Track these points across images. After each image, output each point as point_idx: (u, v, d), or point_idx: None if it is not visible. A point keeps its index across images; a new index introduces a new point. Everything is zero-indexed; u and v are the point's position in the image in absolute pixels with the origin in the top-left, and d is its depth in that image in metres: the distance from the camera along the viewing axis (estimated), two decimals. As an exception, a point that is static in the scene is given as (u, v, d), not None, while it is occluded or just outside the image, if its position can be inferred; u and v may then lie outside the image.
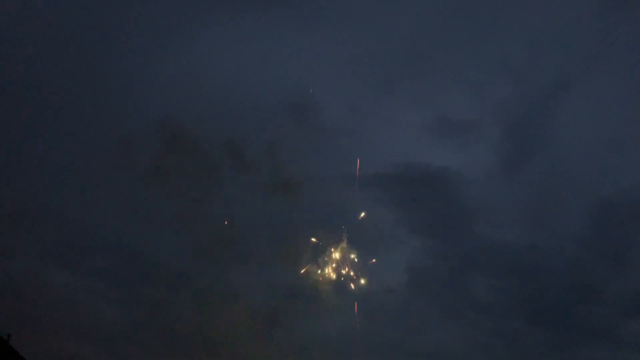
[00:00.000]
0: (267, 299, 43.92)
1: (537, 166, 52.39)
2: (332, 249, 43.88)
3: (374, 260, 43.90)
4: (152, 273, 42.55)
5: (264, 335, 43.16)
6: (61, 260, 44.57)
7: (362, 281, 43.49)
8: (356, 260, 44.18)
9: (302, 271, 43.31)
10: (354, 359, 45.00)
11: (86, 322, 43.20)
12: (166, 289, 42.41)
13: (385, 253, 49.51)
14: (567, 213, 51.82)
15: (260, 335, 43.10)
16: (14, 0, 45.08)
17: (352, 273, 43.79)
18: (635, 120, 52.13)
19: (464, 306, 51.68)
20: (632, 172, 50.94)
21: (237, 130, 42.07)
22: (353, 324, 44.94)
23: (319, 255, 44.13)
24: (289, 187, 42.59)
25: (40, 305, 42.51)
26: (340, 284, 44.69)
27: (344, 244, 43.97)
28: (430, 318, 50.16)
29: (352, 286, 43.29)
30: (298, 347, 43.87)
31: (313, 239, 43.78)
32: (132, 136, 40.78)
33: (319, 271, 43.83)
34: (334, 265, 44.01)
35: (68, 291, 43.73)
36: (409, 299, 49.76)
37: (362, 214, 43.14)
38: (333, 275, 43.79)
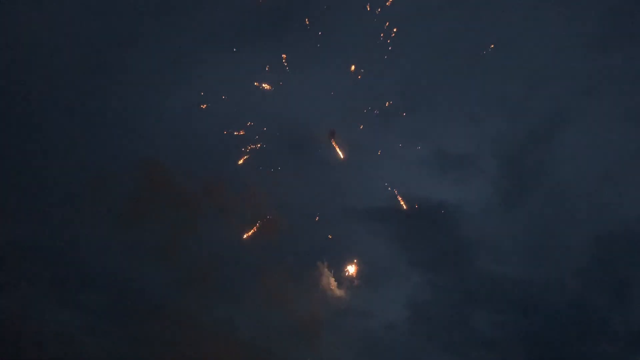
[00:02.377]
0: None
1: (535, 200, 52.24)
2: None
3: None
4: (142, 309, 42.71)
5: None
6: (55, 297, 44.47)
7: None
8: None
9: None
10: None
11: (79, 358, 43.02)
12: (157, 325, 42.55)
13: (385, 288, 49.52)
14: (567, 246, 51.47)
15: None
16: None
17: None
18: (633, 153, 52.13)
19: (465, 341, 51.11)
20: (632, 205, 50.81)
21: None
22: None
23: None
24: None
25: (34, 342, 42.45)
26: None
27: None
28: (431, 354, 49.62)
29: None
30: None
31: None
32: (117, 173, 41.76)
33: None
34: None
35: (61, 328, 43.61)
36: (410, 334, 49.42)
37: None
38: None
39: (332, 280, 45.67)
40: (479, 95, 51.99)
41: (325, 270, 46.00)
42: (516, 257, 52.15)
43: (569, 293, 51.13)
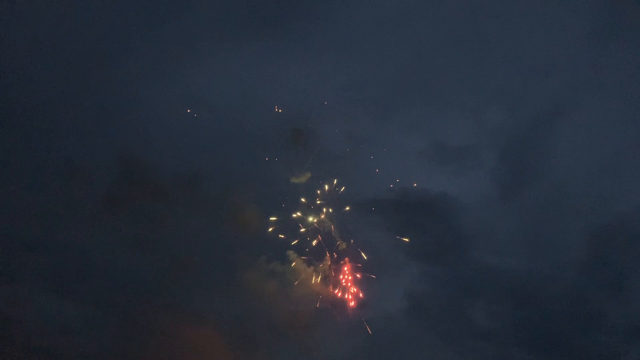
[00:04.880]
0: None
1: (534, 192, 52.46)
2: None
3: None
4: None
5: None
6: (57, 288, 44.34)
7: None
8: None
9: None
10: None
11: (81, 350, 42.97)
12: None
13: (384, 279, 49.52)
14: (565, 239, 51.73)
15: None
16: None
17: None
18: (632, 146, 52.36)
19: (463, 333, 51.28)
20: (630, 197, 51.01)
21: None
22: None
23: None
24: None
25: (36, 333, 42.40)
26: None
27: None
28: (429, 344, 49.74)
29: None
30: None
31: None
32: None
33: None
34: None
35: (63, 318, 43.55)
36: (408, 325, 49.54)
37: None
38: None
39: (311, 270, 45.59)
40: (477, 87, 52.21)
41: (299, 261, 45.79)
42: (514, 249, 52.49)
43: (566, 285, 51.47)
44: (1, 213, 43.62)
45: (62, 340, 42.73)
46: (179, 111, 46.19)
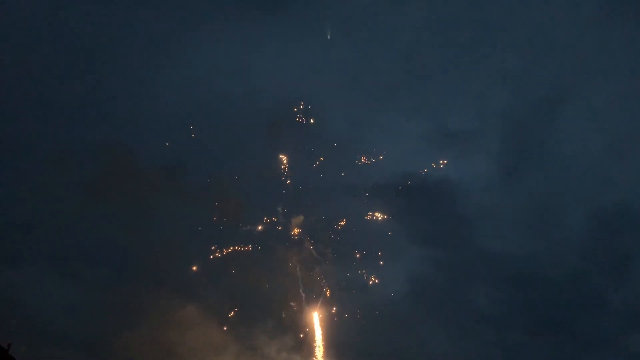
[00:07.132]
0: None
1: (536, 176, 52.62)
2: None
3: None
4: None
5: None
6: (61, 270, 44.71)
7: None
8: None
9: None
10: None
11: (84, 333, 43.37)
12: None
13: (385, 263, 49.65)
14: (567, 223, 51.94)
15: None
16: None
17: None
18: (634, 130, 52.27)
19: (464, 316, 51.51)
20: (631, 182, 51.23)
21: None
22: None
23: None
24: None
25: (40, 315, 42.79)
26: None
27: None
28: (431, 328, 50.01)
29: None
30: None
31: None
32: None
33: None
34: None
35: (67, 301, 43.92)
36: (409, 309, 49.77)
37: None
38: None
39: None
40: (480, 70, 52.08)
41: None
42: (516, 233, 52.69)
43: (567, 269, 51.61)
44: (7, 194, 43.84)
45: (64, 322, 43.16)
46: (173, 98, 46.13)
